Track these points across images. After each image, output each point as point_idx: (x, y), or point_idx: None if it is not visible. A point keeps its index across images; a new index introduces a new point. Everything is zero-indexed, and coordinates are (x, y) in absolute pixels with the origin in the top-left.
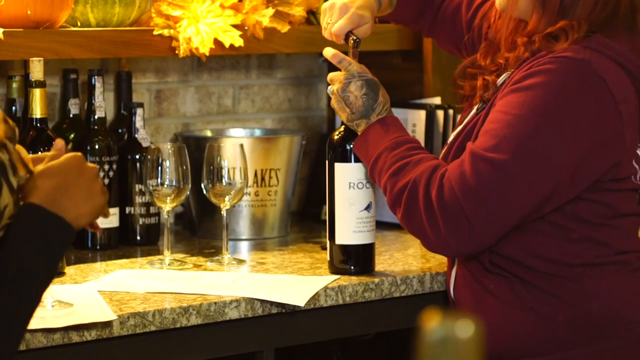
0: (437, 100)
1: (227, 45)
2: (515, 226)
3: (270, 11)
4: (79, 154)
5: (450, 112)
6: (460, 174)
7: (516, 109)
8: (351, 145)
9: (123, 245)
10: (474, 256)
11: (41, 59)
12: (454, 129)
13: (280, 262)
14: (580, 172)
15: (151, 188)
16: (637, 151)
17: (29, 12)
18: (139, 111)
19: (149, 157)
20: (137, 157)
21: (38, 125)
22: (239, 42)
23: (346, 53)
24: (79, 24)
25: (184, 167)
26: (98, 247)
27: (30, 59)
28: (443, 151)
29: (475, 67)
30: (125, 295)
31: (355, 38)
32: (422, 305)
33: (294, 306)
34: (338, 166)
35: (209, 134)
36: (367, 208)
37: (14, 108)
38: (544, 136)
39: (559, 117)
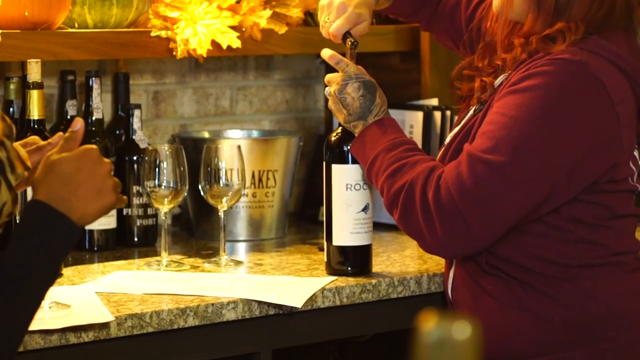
0: (434, 102)
1: (224, 46)
2: (512, 227)
3: (268, 12)
4: (95, 147)
5: (448, 113)
6: (457, 175)
7: (513, 111)
8: (348, 147)
9: (120, 247)
10: (472, 257)
11: (39, 60)
12: (451, 130)
13: (277, 264)
14: (577, 174)
15: (149, 189)
16: (634, 152)
17: (26, 14)
18: (137, 112)
19: (146, 158)
20: (135, 158)
21: (35, 126)
22: (236, 43)
23: (344, 54)
24: (76, 25)
25: (182, 169)
26: (95, 249)
27: (28, 60)
28: (440, 152)
29: (472, 69)
30: (123, 296)
31: (353, 41)
32: (419, 307)
33: (292, 307)
34: (335, 167)
35: (206, 135)
36: (365, 209)
37: (11, 109)
38: (542, 138)
39: (556, 119)
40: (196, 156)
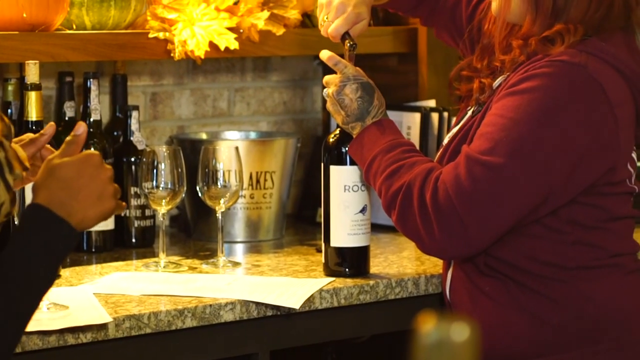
0: (432, 103)
1: (222, 48)
2: (510, 229)
3: (266, 14)
4: (96, 153)
5: (445, 114)
6: (455, 177)
7: (512, 113)
8: (346, 148)
9: (118, 248)
10: (470, 258)
11: (37, 61)
12: (448, 131)
13: (275, 265)
14: (575, 176)
15: (146, 191)
16: (632, 154)
17: (24, 15)
18: (135, 114)
19: (144, 159)
20: (133, 159)
21: (34, 128)
22: (234, 45)
23: (342, 55)
24: (74, 26)
25: (179, 170)
26: (93, 250)
27: (26, 61)
28: (438, 154)
29: (471, 69)
30: (121, 297)
31: (351, 43)
32: (416, 308)
33: (289, 308)
34: (333, 169)
35: (204, 136)
36: (362, 211)
37: (9, 111)
38: (540, 140)
39: (554, 121)
40: (194, 157)
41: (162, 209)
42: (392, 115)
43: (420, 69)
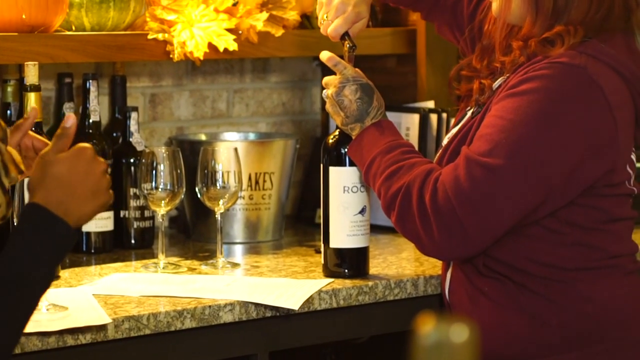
0: (430, 104)
1: (221, 49)
2: (508, 230)
3: (264, 15)
4: (89, 147)
5: (444, 115)
6: (454, 178)
7: (512, 114)
8: (346, 149)
9: (117, 249)
10: (469, 259)
11: (36, 63)
12: (447, 131)
13: (274, 266)
14: (574, 178)
15: (146, 192)
16: (632, 156)
17: (23, 17)
18: (134, 115)
19: (143, 160)
20: (132, 160)
21: (33, 129)
22: (233, 46)
23: (342, 56)
24: (73, 28)
25: (178, 171)
26: (92, 251)
27: (25, 63)
28: (438, 155)
29: (470, 70)
30: (120, 298)
31: (351, 45)
32: (415, 309)
33: (288, 309)
34: (333, 170)
35: (203, 137)
36: (362, 212)
37: (9, 112)
38: (539, 142)
39: (554, 122)
40: (193, 159)
41: (161, 210)
42: (391, 116)
43: (419, 70)
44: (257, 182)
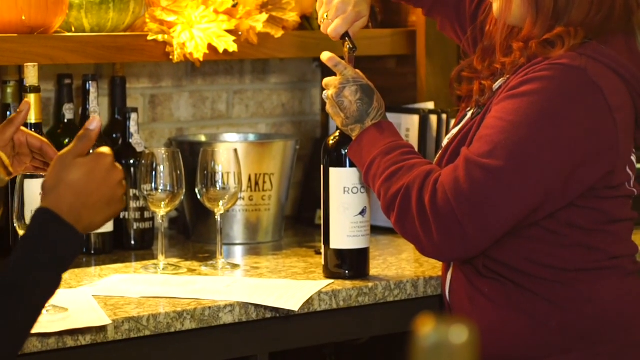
0: (430, 105)
1: (221, 50)
2: (508, 232)
3: (264, 16)
4: (109, 153)
5: (444, 116)
6: (454, 179)
7: (511, 116)
8: (346, 150)
9: (117, 250)
10: (469, 260)
11: (36, 64)
12: (447, 132)
13: (274, 267)
14: (574, 179)
15: (145, 193)
16: (632, 157)
17: (23, 18)
18: (133, 116)
19: (143, 162)
20: (132, 162)
21: (33, 130)
22: (232, 47)
23: (342, 57)
24: (73, 29)
25: (178, 172)
26: (92, 252)
27: (25, 64)
28: (437, 155)
29: (471, 70)
30: (120, 299)
31: (351, 46)
32: (415, 310)
33: (288, 310)
34: (333, 171)
35: (203, 138)
36: (362, 213)
37: (8, 113)
38: (539, 143)
39: (554, 124)
40: (193, 160)
41: (161, 211)
42: (391, 117)
43: (418, 71)
44: (257, 183)
